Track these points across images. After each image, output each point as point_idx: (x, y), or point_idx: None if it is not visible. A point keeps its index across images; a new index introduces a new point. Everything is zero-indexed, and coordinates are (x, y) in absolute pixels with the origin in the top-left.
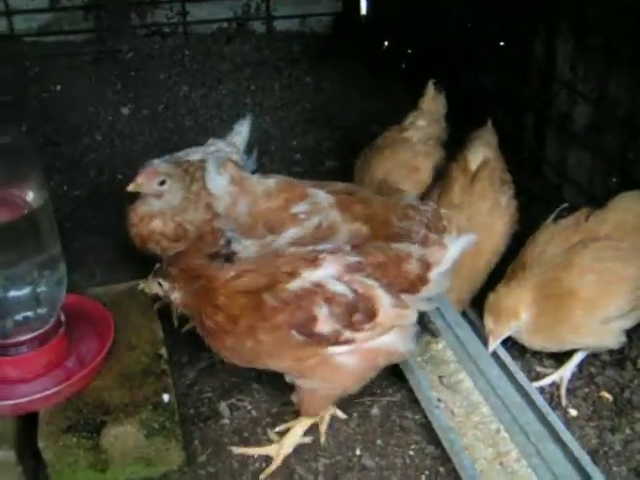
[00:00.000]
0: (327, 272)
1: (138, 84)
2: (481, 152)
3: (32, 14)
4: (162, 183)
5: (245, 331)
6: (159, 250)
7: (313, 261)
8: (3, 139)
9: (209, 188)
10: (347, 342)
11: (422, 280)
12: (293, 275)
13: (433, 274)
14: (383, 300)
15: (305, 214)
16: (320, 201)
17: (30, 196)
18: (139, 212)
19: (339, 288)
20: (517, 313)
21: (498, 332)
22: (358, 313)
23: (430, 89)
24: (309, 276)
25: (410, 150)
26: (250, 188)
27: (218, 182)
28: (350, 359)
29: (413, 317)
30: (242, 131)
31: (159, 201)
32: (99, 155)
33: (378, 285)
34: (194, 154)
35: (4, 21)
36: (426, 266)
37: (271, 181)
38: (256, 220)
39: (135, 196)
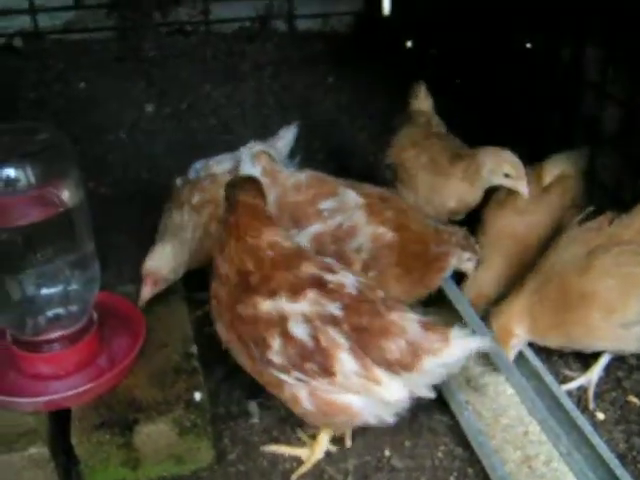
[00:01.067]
0: (299, 308)
1: (161, 82)
2: (559, 167)
3: (56, 12)
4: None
5: (229, 327)
6: None
7: (296, 291)
8: (41, 136)
9: None
10: (299, 380)
11: (406, 366)
12: (272, 295)
13: (426, 363)
14: (344, 364)
15: (329, 211)
16: (348, 201)
17: (66, 194)
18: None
19: (298, 331)
20: (511, 332)
21: (506, 350)
22: (312, 363)
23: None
24: (281, 304)
25: None
26: (281, 180)
27: (250, 172)
28: (305, 395)
29: (390, 395)
30: (286, 136)
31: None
32: (124, 153)
33: (347, 346)
34: (225, 162)
35: (29, 19)
36: (414, 353)
37: (302, 175)
38: (283, 212)
39: None
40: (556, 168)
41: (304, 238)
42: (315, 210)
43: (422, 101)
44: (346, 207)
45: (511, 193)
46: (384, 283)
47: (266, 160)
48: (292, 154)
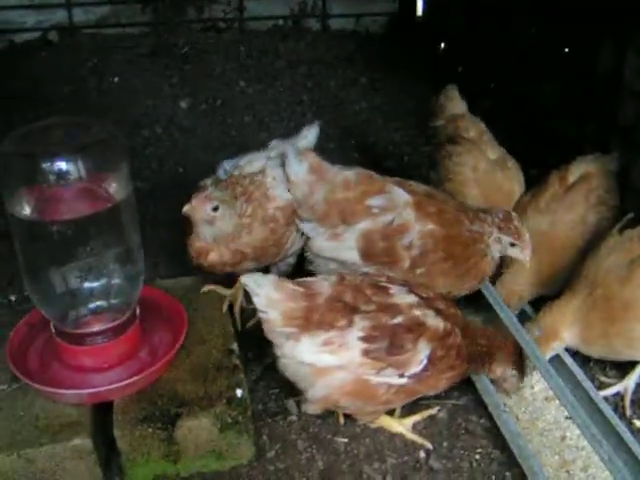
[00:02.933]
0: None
1: (194, 78)
2: (584, 167)
3: (91, 7)
4: (215, 209)
5: None
6: (225, 272)
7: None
8: (93, 131)
9: (288, 174)
10: None
11: None
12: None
13: None
14: None
15: (379, 209)
16: (396, 198)
17: (115, 189)
18: (195, 249)
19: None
20: (557, 334)
21: (543, 351)
22: None
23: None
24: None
25: None
26: (328, 177)
27: (297, 169)
28: None
29: None
30: (308, 136)
31: (211, 228)
32: (159, 148)
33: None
34: (256, 162)
35: (64, 13)
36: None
37: (350, 172)
38: (331, 208)
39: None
40: (580, 168)
41: (352, 235)
42: (364, 207)
43: (456, 105)
44: (395, 204)
45: (534, 196)
46: (432, 278)
47: (312, 157)
48: None
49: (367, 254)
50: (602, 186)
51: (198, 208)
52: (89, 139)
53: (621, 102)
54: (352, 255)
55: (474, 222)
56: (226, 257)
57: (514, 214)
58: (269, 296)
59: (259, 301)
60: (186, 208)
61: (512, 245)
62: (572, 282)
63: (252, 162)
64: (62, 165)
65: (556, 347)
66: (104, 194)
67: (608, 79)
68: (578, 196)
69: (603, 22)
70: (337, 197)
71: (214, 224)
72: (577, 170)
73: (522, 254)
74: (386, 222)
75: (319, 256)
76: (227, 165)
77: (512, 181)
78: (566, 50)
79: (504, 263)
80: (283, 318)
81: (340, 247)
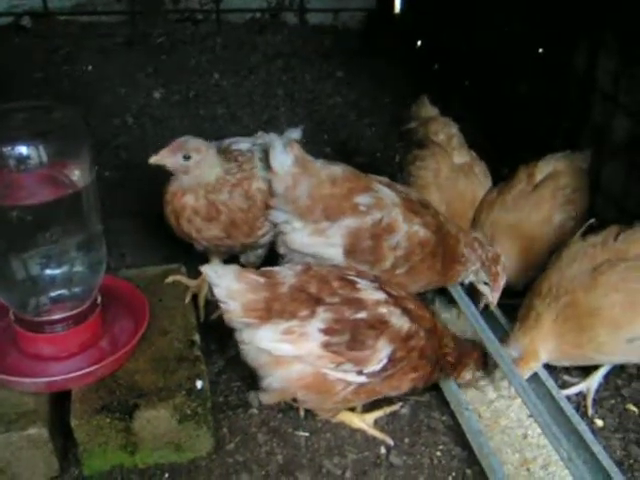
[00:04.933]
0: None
1: (169, 69)
2: (552, 165)
3: None
4: (187, 158)
5: None
6: (194, 232)
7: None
8: (55, 115)
9: (271, 165)
10: None
11: None
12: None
13: None
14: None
15: (366, 206)
16: (384, 197)
17: (77, 175)
18: (171, 188)
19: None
20: (536, 357)
21: (522, 373)
22: None
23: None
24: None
25: None
26: (313, 171)
27: (282, 160)
28: None
29: None
30: (292, 138)
31: (187, 177)
32: (130, 137)
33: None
34: (242, 143)
35: None
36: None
37: (337, 168)
38: (315, 203)
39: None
40: (549, 165)
41: (338, 231)
42: (350, 204)
43: (427, 110)
44: (383, 203)
45: (501, 192)
46: (409, 278)
47: (298, 149)
48: None
49: (352, 251)
50: (570, 185)
51: (168, 158)
52: (51, 124)
53: (593, 102)
54: (334, 252)
55: (467, 246)
56: (200, 203)
57: (502, 259)
58: (229, 287)
59: (219, 292)
60: (153, 159)
61: (485, 283)
62: (536, 292)
63: (238, 143)
64: (22, 150)
65: (534, 367)
66: (66, 180)
67: (581, 79)
68: (545, 194)
69: (577, 23)
70: (323, 192)
71: (189, 173)
72: (546, 167)
73: (490, 295)
74: (375, 220)
75: (297, 252)
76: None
77: (476, 187)
78: (540, 50)
79: None
80: (243, 309)
81: (323, 243)
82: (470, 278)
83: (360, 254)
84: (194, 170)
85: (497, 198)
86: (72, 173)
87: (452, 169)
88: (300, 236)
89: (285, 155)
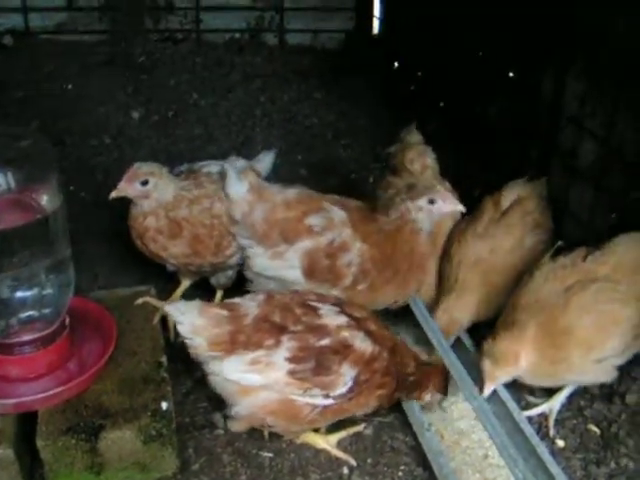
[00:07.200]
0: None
1: (149, 88)
2: (517, 190)
3: (48, 12)
4: (144, 183)
5: None
6: (161, 251)
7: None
8: (22, 142)
9: (227, 193)
10: None
11: None
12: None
13: None
14: None
15: (320, 227)
16: (334, 217)
17: (44, 200)
18: (133, 213)
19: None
20: (517, 360)
21: (495, 378)
22: None
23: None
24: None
25: None
26: (268, 197)
27: (237, 188)
28: None
29: None
30: (266, 160)
31: (149, 201)
32: (107, 158)
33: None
34: (213, 166)
35: (20, 17)
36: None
37: (292, 191)
38: (271, 228)
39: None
40: (513, 193)
41: (295, 254)
42: (305, 226)
43: (412, 136)
44: (333, 223)
45: (470, 222)
46: (373, 293)
47: (253, 176)
48: (267, 179)
49: (310, 272)
50: (537, 209)
51: (127, 187)
52: (18, 151)
53: (561, 127)
54: (295, 274)
55: (390, 214)
56: (162, 223)
57: (418, 183)
58: (193, 323)
59: (183, 329)
60: (114, 194)
61: (432, 203)
62: (517, 306)
63: (209, 165)
64: None
65: (511, 373)
66: (34, 205)
67: (550, 103)
68: (514, 220)
69: (546, 48)
70: (277, 217)
71: (150, 196)
72: (510, 194)
73: (447, 204)
74: (329, 240)
75: (260, 275)
76: (182, 167)
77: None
78: (511, 74)
79: (443, 291)
80: (208, 344)
81: (283, 266)
82: (426, 221)
83: (319, 274)
84: (153, 193)
85: (467, 228)
86: (40, 198)
87: None
88: (261, 260)
89: (239, 183)
